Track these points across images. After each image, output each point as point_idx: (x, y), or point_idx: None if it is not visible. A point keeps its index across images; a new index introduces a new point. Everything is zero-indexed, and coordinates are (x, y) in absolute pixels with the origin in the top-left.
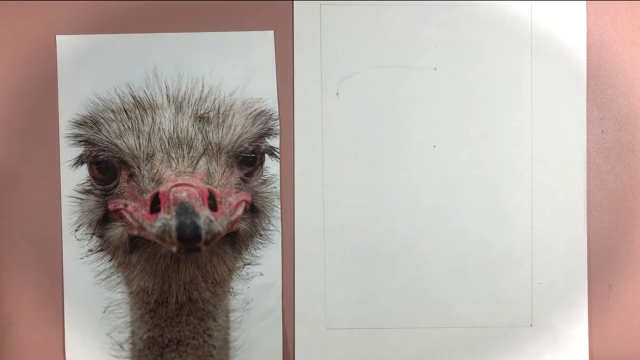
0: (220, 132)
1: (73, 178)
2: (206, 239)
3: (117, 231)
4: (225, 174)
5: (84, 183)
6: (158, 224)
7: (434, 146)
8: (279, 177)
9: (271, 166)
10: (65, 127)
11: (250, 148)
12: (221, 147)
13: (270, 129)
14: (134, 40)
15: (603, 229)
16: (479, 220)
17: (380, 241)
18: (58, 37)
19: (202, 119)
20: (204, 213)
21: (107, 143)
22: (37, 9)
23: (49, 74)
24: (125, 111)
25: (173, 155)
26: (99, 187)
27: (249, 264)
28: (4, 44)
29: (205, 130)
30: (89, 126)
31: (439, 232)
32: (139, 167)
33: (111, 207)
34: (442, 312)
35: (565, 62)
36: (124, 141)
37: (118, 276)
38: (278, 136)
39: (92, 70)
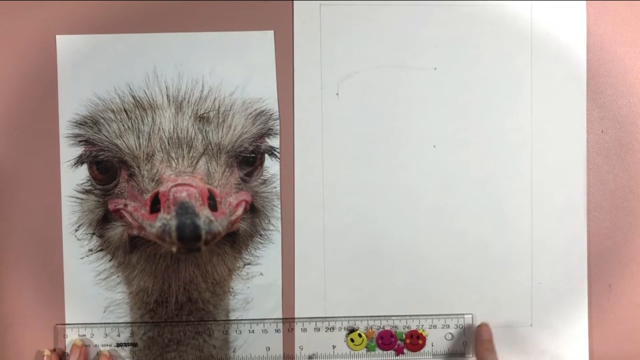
0: (220, 132)
1: (73, 178)
2: (206, 239)
3: (117, 231)
4: (225, 174)
5: (84, 183)
6: (158, 224)
7: (434, 146)
8: (279, 177)
9: (271, 166)
10: (65, 127)
11: (250, 148)
12: (221, 147)
13: (270, 129)
14: (134, 40)
15: (603, 229)
16: (479, 220)
17: (380, 241)
18: (58, 37)
19: (202, 119)
20: (204, 213)
21: (107, 143)
22: (37, 9)
23: (49, 74)
24: (125, 111)
25: (173, 155)
26: (99, 187)
27: (249, 264)
28: (4, 44)
29: (205, 130)
30: (89, 126)
31: (439, 232)
32: (139, 167)
33: (111, 207)
34: (442, 312)
35: (565, 62)
36: (124, 141)
37: (118, 276)
38: (278, 136)
39: (92, 70)
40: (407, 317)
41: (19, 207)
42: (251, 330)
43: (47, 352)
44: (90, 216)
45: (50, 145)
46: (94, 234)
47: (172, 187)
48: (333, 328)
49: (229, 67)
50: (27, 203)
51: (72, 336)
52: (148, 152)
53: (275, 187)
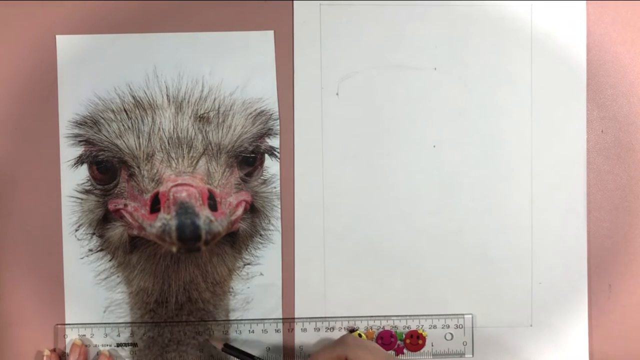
0: (220, 132)
1: (73, 178)
2: (206, 239)
3: (117, 231)
4: (225, 174)
5: (84, 183)
6: (158, 224)
7: (434, 146)
8: (279, 177)
9: (271, 166)
10: (65, 127)
11: (250, 148)
12: (221, 147)
13: (270, 129)
14: (134, 40)
15: (603, 229)
16: (479, 220)
17: (380, 241)
18: (58, 37)
19: (202, 119)
20: (204, 213)
21: (107, 143)
22: (37, 9)
23: (49, 74)
24: (125, 111)
25: (173, 155)
26: (99, 187)
27: (249, 264)
28: (4, 44)
29: (205, 130)
30: (89, 126)
31: (439, 232)
32: (139, 167)
33: (111, 207)
34: (442, 313)
35: (565, 62)
36: (124, 141)
37: (118, 276)
38: (278, 136)
39: (92, 70)
40: (407, 317)
41: (19, 207)
42: (251, 330)
43: (47, 352)
44: (90, 216)
45: (50, 145)
46: (94, 234)
47: (172, 187)
48: (333, 328)
49: (229, 67)
50: (27, 203)
51: (72, 336)
52: (148, 152)
53: (275, 187)
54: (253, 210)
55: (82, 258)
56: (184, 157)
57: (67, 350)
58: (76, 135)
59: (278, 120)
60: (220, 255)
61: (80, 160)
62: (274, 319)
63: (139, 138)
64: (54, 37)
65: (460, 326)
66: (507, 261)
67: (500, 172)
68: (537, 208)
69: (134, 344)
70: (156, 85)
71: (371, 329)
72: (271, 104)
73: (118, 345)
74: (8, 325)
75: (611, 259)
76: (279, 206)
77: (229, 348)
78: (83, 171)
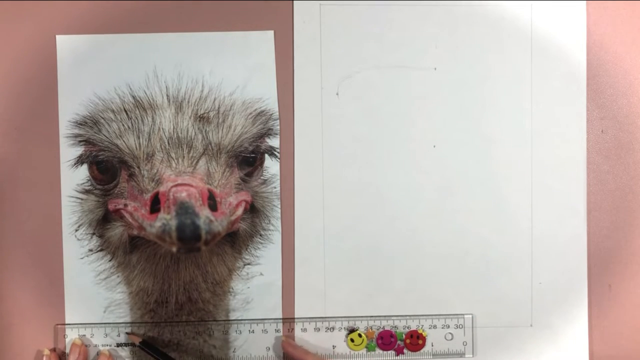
0: (220, 132)
1: (73, 178)
2: (206, 239)
3: (117, 231)
4: (225, 174)
5: (84, 183)
6: (158, 224)
7: (434, 146)
8: (279, 177)
9: (271, 166)
10: (65, 127)
11: (250, 148)
12: (221, 147)
13: (270, 129)
14: (134, 40)
15: (603, 229)
16: (479, 220)
17: (380, 241)
18: (58, 37)
19: (202, 119)
20: (204, 213)
21: (107, 143)
22: (37, 9)
23: (49, 74)
24: (125, 111)
25: (173, 155)
26: (99, 187)
27: (249, 264)
28: (4, 44)
29: (205, 130)
30: (89, 126)
31: (439, 232)
32: (139, 167)
33: (111, 207)
34: (442, 313)
35: (565, 62)
36: (124, 141)
37: (118, 276)
38: (278, 136)
39: (92, 70)
40: (407, 317)
41: (19, 207)
42: (251, 330)
43: (46, 352)
44: (90, 216)
45: (50, 145)
46: (94, 234)
47: (172, 187)
48: (333, 328)
49: (229, 67)
50: (27, 203)
51: (72, 336)
52: (148, 152)
53: (275, 187)
54: (253, 210)
55: (82, 258)
56: (184, 157)
57: (67, 350)
58: (76, 135)
59: (278, 120)
60: (220, 255)
61: (80, 160)
62: (274, 319)
63: (139, 138)
64: (54, 37)
65: (460, 326)
66: (507, 261)
67: (500, 172)
68: (537, 208)
69: (134, 344)
70: (156, 85)
71: (371, 329)
72: (271, 104)
73: (118, 345)
74: (8, 325)
75: (611, 259)
76: (279, 206)
77: (146, 346)
78: (83, 171)
